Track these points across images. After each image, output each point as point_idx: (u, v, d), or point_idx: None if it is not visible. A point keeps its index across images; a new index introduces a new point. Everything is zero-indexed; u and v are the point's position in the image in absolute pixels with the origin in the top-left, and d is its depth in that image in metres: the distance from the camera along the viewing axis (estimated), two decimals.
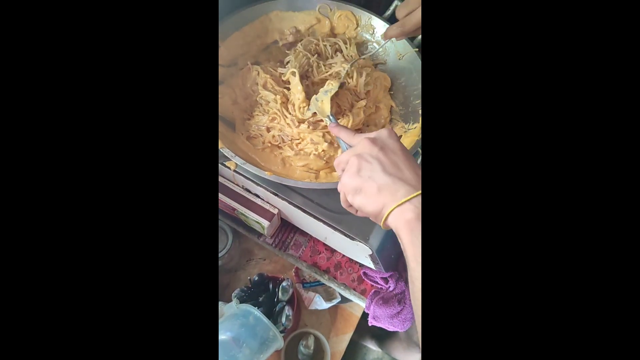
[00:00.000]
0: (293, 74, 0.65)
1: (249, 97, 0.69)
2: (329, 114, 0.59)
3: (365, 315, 0.78)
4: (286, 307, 0.70)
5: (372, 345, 1.20)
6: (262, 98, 0.68)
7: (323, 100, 0.61)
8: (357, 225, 0.61)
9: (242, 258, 0.83)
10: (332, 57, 0.73)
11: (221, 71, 0.69)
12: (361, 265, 0.79)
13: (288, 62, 0.70)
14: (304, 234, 0.81)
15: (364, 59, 0.73)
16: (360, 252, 0.67)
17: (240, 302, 0.69)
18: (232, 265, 0.83)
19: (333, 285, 0.79)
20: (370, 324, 0.75)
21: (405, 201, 0.39)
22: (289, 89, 0.67)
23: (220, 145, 0.59)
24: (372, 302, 0.74)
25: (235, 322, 0.64)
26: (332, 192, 0.63)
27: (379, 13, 0.76)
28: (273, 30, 0.76)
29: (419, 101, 0.71)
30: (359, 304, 0.78)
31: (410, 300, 0.64)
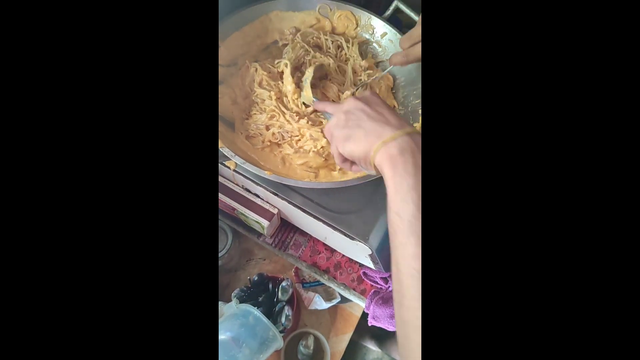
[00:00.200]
0: (285, 65, 0.66)
1: (248, 96, 0.69)
2: (312, 98, 0.63)
3: (365, 315, 0.78)
4: (286, 307, 0.70)
5: (371, 345, 1.20)
6: (257, 97, 0.68)
7: (304, 88, 0.65)
8: (356, 225, 0.61)
9: (242, 258, 0.83)
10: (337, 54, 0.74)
11: (221, 71, 0.69)
12: (361, 265, 0.79)
13: (286, 53, 0.71)
14: (303, 233, 0.81)
15: (381, 76, 0.72)
16: (360, 252, 0.67)
17: (240, 302, 0.69)
18: (232, 265, 0.82)
19: (333, 285, 0.79)
20: (370, 324, 0.75)
21: (390, 139, 0.41)
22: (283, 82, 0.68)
23: (220, 144, 0.59)
24: (371, 302, 0.74)
25: (235, 322, 0.64)
26: (332, 192, 0.63)
27: (379, 13, 0.77)
28: (273, 30, 0.76)
29: (418, 101, 0.71)
30: (359, 304, 0.78)
31: None
